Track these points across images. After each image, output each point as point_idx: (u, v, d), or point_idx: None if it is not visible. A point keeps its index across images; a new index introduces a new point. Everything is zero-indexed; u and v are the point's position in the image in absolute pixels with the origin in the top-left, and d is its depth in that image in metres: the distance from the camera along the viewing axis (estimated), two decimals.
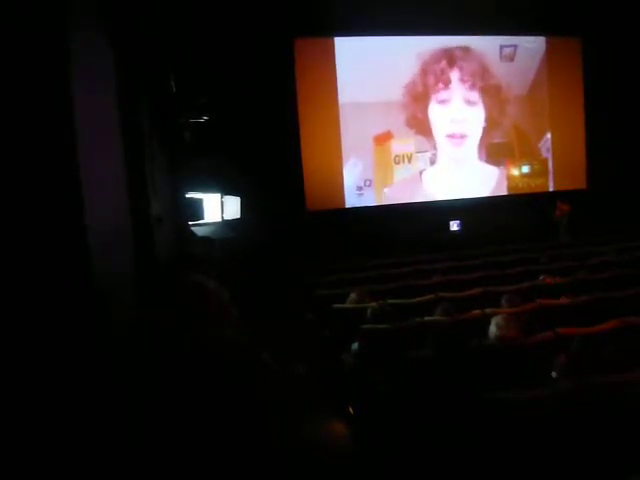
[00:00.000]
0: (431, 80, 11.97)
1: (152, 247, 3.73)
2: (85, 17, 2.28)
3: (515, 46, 12.29)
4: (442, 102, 12.03)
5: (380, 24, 11.00)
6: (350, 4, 10.59)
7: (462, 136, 12.13)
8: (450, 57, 12.01)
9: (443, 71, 11.98)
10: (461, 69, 12.05)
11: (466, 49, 12.06)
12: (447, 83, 12.01)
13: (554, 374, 3.05)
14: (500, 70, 12.27)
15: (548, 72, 12.53)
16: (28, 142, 1.73)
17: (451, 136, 12.07)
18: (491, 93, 12.22)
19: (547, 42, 12.49)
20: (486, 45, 12.17)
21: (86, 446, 1.77)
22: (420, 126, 12.01)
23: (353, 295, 5.68)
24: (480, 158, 12.34)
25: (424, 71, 11.95)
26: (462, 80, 12.06)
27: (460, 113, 12.11)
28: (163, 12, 3.59)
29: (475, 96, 12.15)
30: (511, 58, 12.30)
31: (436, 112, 12.04)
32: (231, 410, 2.09)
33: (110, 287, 2.24)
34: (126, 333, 2.54)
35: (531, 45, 12.41)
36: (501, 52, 12.25)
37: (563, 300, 5.08)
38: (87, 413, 1.78)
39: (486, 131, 12.28)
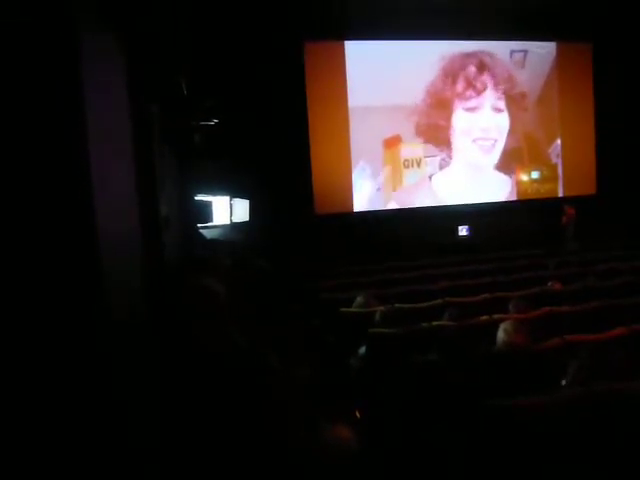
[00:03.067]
0: (460, 87, 11.96)
1: (161, 249, 3.75)
2: (97, 20, 2.30)
3: (525, 51, 12.26)
4: (472, 109, 12.02)
5: (390, 28, 11.01)
6: (360, 8, 10.60)
7: (493, 143, 12.15)
8: (479, 63, 12.00)
9: (475, 77, 11.97)
10: (493, 76, 12.06)
11: (492, 55, 12.05)
12: (480, 90, 12.00)
13: (563, 382, 3.03)
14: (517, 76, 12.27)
15: (558, 78, 12.49)
16: (40, 144, 1.74)
17: (481, 143, 12.07)
18: (516, 100, 12.22)
19: (557, 47, 12.46)
20: (496, 50, 12.15)
21: (88, 445, 1.77)
22: (435, 133, 12.00)
23: (359, 299, 5.66)
24: (492, 164, 12.33)
25: (449, 77, 11.92)
26: (495, 87, 12.07)
27: (490, 120, 12.16)
28: (175, 15, 3.61)
29: (502, 103, 12.17)
30: (521, 64, 12.28)
31: (464, 119, 12.03)
32: (235, 413, 2.10)
33: (118, 288, 2.25)
34: (133, 334, 2.55)
35: (541, 51, 12.38)
36: (511, 57, 12.22)
37: (571, 307, 5.05)
38: (91, 413, 1.78)
39: (507, 137, 12.31)
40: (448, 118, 12.02)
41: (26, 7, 1.69)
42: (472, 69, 11.98)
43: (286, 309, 7.31)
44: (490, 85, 12.06)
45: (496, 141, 12.22)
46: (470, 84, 11.98)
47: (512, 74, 12.20)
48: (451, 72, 11.97)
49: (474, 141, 12.10)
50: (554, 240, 11.46)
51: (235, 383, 1.85)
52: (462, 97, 12.01)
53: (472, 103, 12.05)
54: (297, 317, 7.32)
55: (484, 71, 12.05)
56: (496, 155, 12.28)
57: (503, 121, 12.26)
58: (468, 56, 12.02)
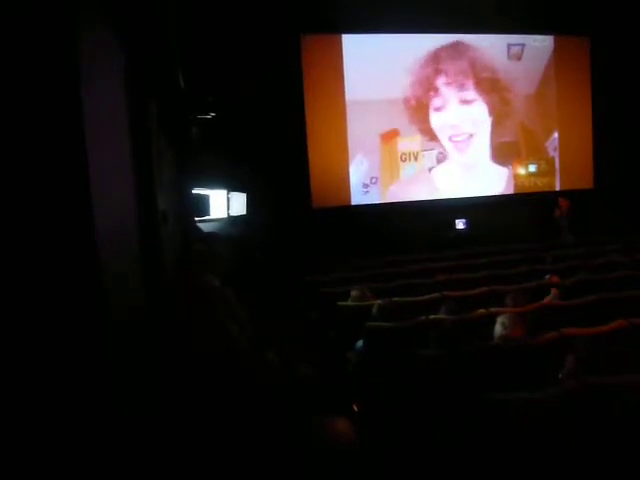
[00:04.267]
0: (420, 91, 11.94)
1: (158, 244, 3.74)
2: (96, 16, 2.29)
3: (523, 45, 12.25)
4: (438, 109, 11.99)
5: (388, 21, 10.99)
6: (357, 1, 10.57)
7: (469, 137, 12.09)
8: (436, 61, 11.91)
9: (428, 79, 11.92)
10: (446, 73, 11.96)
11: (454, 45, 11.93)
12: (435, 90, 11.96)
13: (560, 375, 3.05)
14: (501, 67, 12.22)
15: (556, 71, 12.49)
16: (38, 142, 1.74)
17: (455, 141, 12.04)
18: (486, 86, 12.13)
19: (555, 41, 12.44)
20: (493, 44, 12.13)
21: (88, 444, 1.78)
22: (429, 132, 12.01)
23: (355, 292, 5.66)
24: (487, 157, 12.31)
25: (415, 82, 11.90)
26: (447, 84, 11.98)
27: (459, 115, 12.06)
28: (172, 9, 3.59)
29: (470, 94, 12.09)
30: (518, 57, 12.26)
31: (436, 120, 12.00)
32: (234, 408, 2.10)
33: (116, 284, 2.25)
34: (132, 331, 2.55)
35: (539, 44, 12.37)
36: (509, 51, 12.21)
37: (568, 300, 5.06)
38: (90, 412, 1.79)
39: (494, 127, 12.23)
40: (426, 119, 12.02)
41: (28, 4, 1.68)
42: (431, 68, 11.87)
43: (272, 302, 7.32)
44: (446, 82, 11.95)
45: (472, 135, 12.15)
46: (431, 85, 11.92)
47: (478, 62, 12.10)
48: (424, 75, 11.91)
49: (449, 139, 12.09)
50: (552, 233, 11.48)
51: (235, 381, 1.86)
52: (428, 97, 11.97)
53: (437, 102, 11.98)
54: (296, 311, 7.32)
55: (441, 70, 11.91)
56: (475, 149, 12.18)
57: (476, 111, 12.16)
58: (440, 52, 11.93)
